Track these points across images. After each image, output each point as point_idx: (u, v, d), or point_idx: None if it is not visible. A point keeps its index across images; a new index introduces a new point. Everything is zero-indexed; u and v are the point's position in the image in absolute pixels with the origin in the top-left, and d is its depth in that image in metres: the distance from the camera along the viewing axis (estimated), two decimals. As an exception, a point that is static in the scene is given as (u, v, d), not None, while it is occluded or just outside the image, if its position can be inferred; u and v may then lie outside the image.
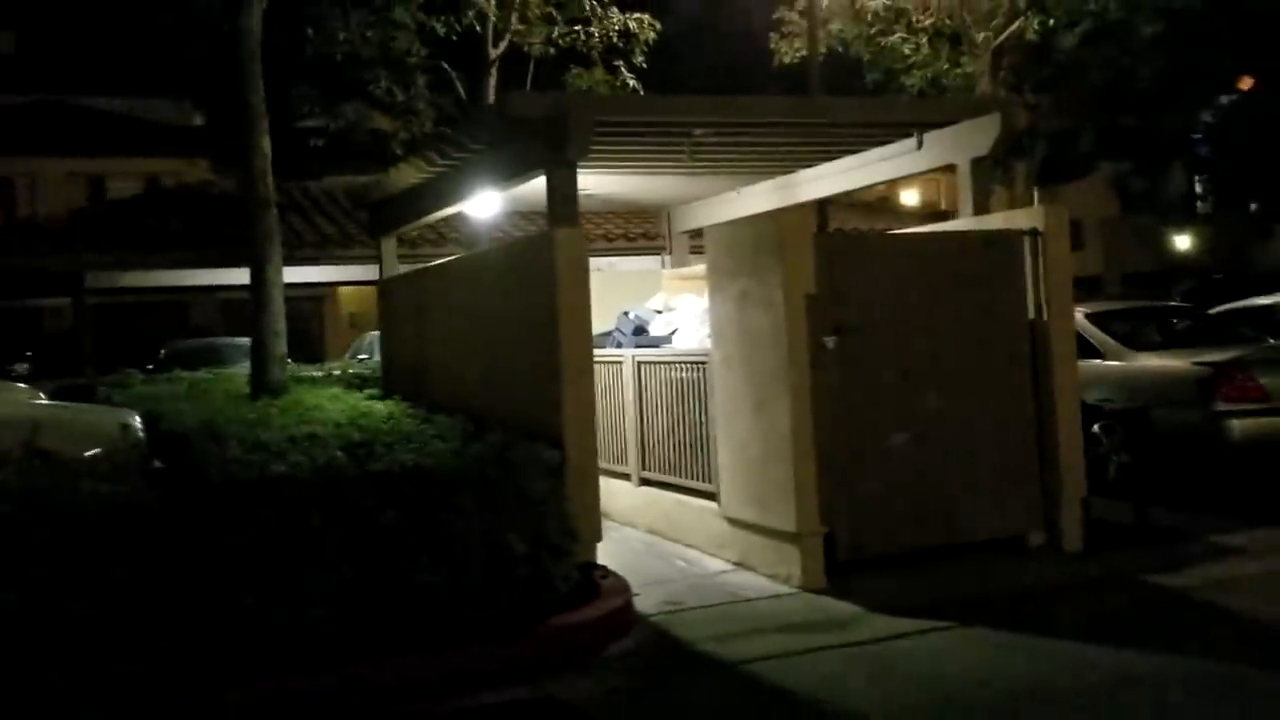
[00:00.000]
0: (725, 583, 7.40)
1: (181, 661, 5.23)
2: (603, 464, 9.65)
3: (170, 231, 16.61)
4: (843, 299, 7.24)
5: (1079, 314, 10.41)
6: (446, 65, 14.54)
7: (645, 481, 9.06)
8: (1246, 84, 27.94)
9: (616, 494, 9.45)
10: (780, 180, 10.45)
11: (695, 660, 5.97)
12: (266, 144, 9.60)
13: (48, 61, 28.80)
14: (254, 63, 9.55)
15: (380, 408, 8.25)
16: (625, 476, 9.32)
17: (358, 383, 11.60)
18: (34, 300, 21.30)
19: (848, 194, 10.57)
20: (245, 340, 19.97)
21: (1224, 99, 28.91)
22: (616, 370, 9.35)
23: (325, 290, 25.92)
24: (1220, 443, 9.03)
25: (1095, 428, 9.47)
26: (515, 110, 7.31)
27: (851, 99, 8.46)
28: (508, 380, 8.06)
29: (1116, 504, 8.58)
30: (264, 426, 7.31)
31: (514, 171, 7.98)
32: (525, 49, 14.99)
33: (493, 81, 14.46)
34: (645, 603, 6.91)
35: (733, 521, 7.76)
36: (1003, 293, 7.75)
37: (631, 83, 14.79)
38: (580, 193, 10.52)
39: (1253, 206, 37.12)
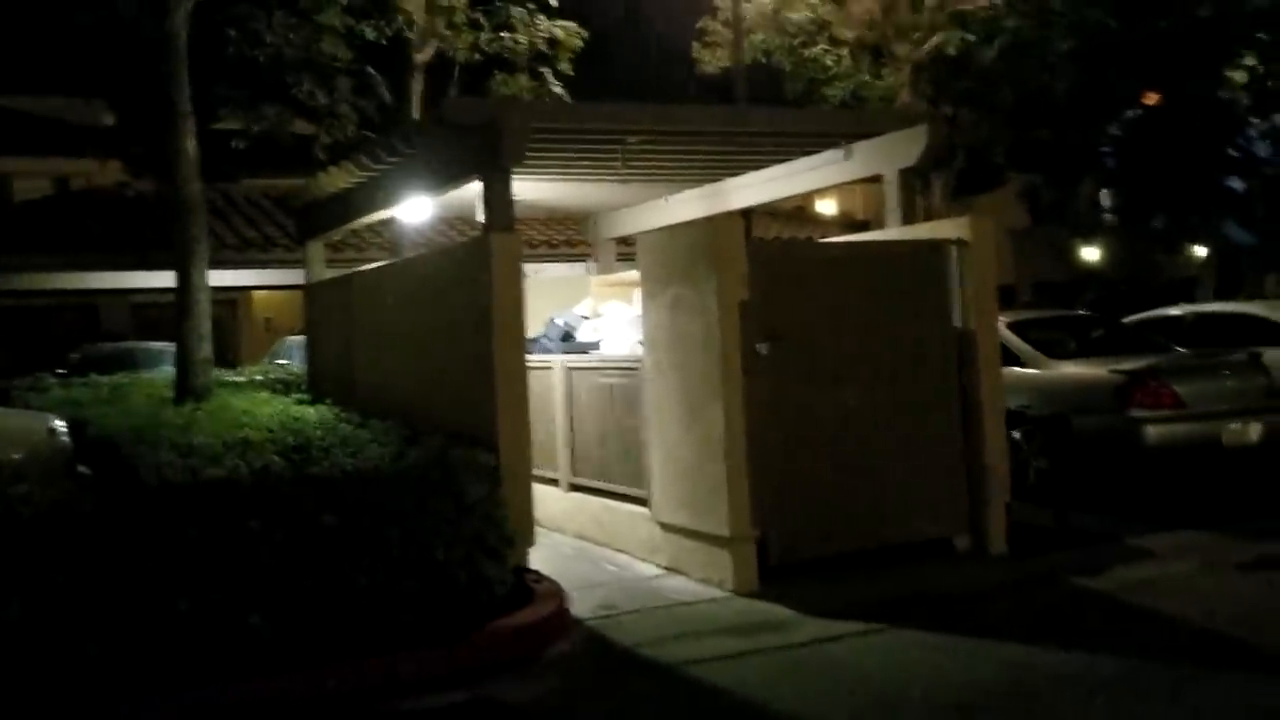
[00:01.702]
0: (658, 587, 7.45)
1: (117, 667, 5.14)
2: (533, 470, 9.69)
3: (81, 234, 16.24)
4: (775, 306, 7.33)
5: (999, 323, 10.68)
6: (371, 69, 14.42)
7: (575, 487, 9.08)
8: (1152, 99, 28.73)
9: (546, 499, 9.42)
10: (709, 188, 10.56)
11: (633, 663, 6.01)
12: (193, 146, 9.48)
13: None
14: (180, 65, 9.41)
15: (311, 413, 8.18)
16: (554, 482, 9.32)
17: (281, 388, 11.47)
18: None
19: (769, 202, 10.67)
20: (161, 345, 19.70)
21: (1130, 114, 29.66)
22: (546, 376, 9.36)
23: (238, 294, 25.54)
24: (1136, 448, 9.30)
25: (1015, 434, 9.68)
26: (452, 115, 7.32)
27: (784, 109, 8.58)
28: (441, 385, 8.04)
29: (1037, 509, 8.79)
30: (195, 431, 7.20)
31: (448, 177, 7.96)
32: (450, 54, 14.92)
33: (418, 87, 14.37)
34: (580, 607, 6.93)
35: (665, 526, 7.81)
36: (930, 300, 7.91)
37: (557, 90, 14.81)
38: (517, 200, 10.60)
39: (1157, 220, 38.17)
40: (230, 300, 26.91)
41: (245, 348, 26.60)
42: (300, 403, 8.98)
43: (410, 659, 5.72)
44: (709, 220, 7.92)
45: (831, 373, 7.53)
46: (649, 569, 7.90)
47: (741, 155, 9.36)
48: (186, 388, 9.40)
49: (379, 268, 9.88)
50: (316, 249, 11.27)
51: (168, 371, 16.10)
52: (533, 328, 9.94)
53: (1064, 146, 20.07)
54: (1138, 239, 37.89)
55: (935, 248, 7.98)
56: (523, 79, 15.54)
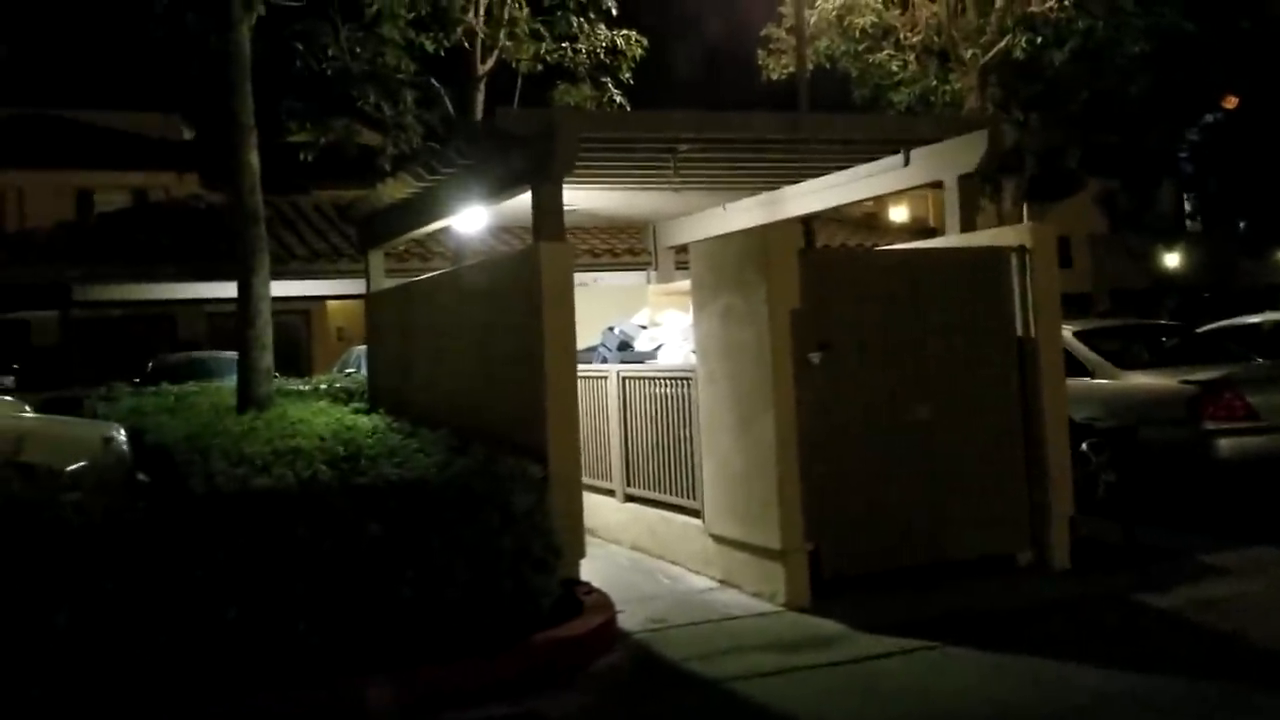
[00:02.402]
0: (710, 600, 7.36)
1: (164, 675, 5.18)
2: (587, 480, 9.62)
3: (158, 245, 16.58)
4: (828, 315, 7.22)
5: (1067, 332, 10.44)
6: (435, 81, 14.51)
7: (630, 498, 9.02)
8: (1231, 103, 28.02)
9: (601, 510, 9.42)
10: (766, 196, 10.45)
11: (679, 677, 5.92)
12: (255, 159, 9.58)
13: (38, 74, 28.77)
14: (243, 79, 9.54)
15: (365, 422, 8.21)
16: (610, 492, 9.28)
17: (344, 397, 11.56)
18: (21, 313, 21.20)
19: (836, 209, 10.56)
20: (232, 354, 19.99)
21: (1211, 118, 29.01)
22: (601, 385, 9.32)
23: (312, 304, 25.89)
24: (1208, 461, 9.03)
25: (1084, 446, 9.45)
26: (503, 125, 7.31)
27: (837, 115, 8.45)
28: (493, 395, 8.03)
29: (1105, 523, 8.58)
30: (249, 440, 7.27)
31: (501, 187, 7.96)
32: (514, 65, 14.97)
33: (480, 97, 14.43)
34: (630, 620, 6.87)
35: (717, 538, 7.72)
36: (990, 309, 7.74)
37: (618, 99, 14.78)
38: (565, 208, 10.59)
39: (1241, 224, 37.27)
40: (304, 310, 27.33)
41: (319, 357, 26.99)
42: (356, 412, 9.03)
43: (453, 670, 5.70)
44: (761, 228, 7.80)
45: (887, 383, 7.40)
46: (703, 582, 7.81)
47: (798, 162, 9.26)
48: (248, 397, 9.50)
49: (433, 277, 9.93)
50: (377, 258, 11.35)
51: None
52: (592, 337, 9.94)
53: (1140, 151, 19.61)
54: (1220, 244, 37.08)
55: (996, 255, 7.81)
56: (585, 88, 15.53)
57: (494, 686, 5.70)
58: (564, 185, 7.63)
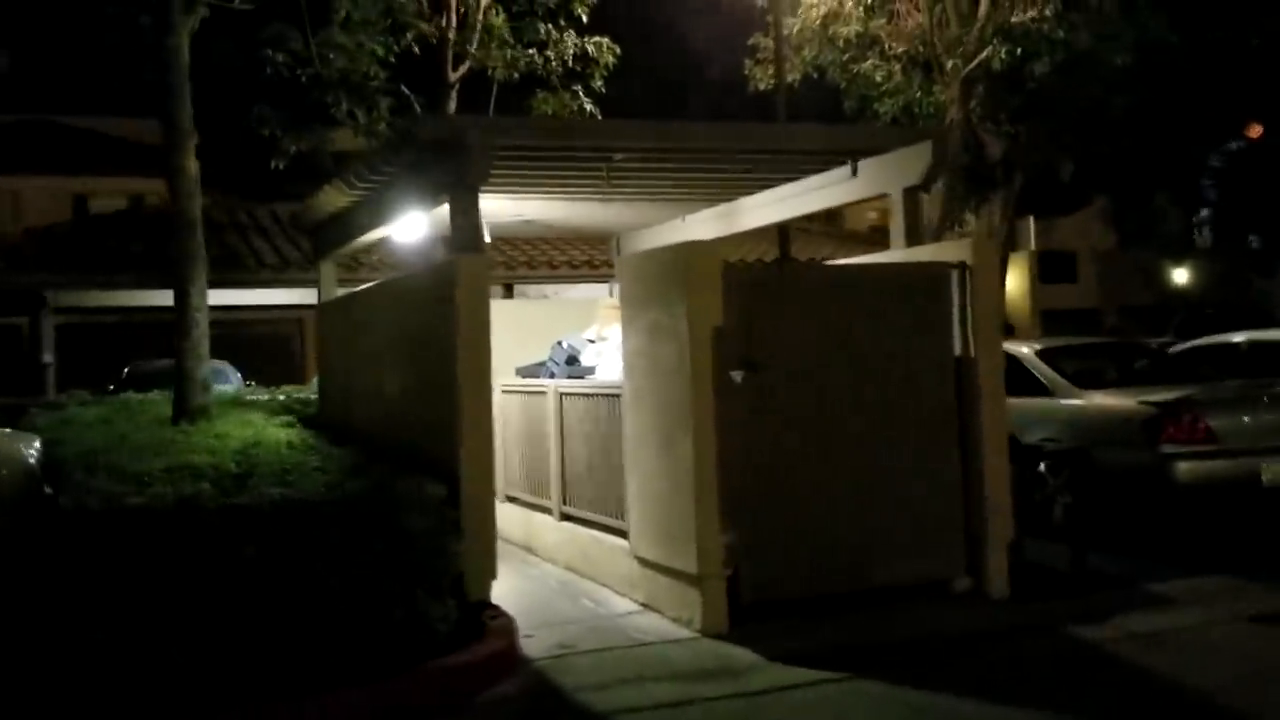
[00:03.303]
0: (628, 625, 7.10)
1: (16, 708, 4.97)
2: (528, 497, 9.44)
3: (130, 252, 16.44)
4: (753, 333, 6.96)
5: (1028, 350, 10.16)
6: (405, 89, 14.32)
7: (566, 516, 8.77)
8: (1256, 132, 27.52)
9: (540, 529, 9.19)
10: (724, 208, 10.22)
11: (567, 709, 5.68)
12: (193, 164, 9.36)
13: (39, 81, 28.78)
14: (182, 83, 9.32)
15: (283, 436, 7.98)
16: (549, 511, 9.03)
17: (298, 408, 11.34)
18: (6, 318, 21.12)
19: (826, 222, 10.24)
20: (216, 363, 19.85)
21: (1233, 144, 28.59)
22: (541, 401, 9.09)
23: (306, 313, 25.77)
24: (1166, 486, 8.71)
25: (1041, 467, 9.15)
26: (421, 133, 7.09)
27: (779, 125, 8.19)
28: (415, 410, 7.80)
29: (1061, 547, 8.31)
30: (156, 454, 7.04)
31: (425, 196, 7.74)
32: (489, 72, 14.79)
33: (453, 105, 14.25)
34: (538, 645, 6.64)
35: (641, 561, 7.47)
36: (929, 327, 7.46)
37: (589, 107, 14.55)
38: (517, 219, 10.39)
39: (1253, 241, 36.80)
40: (298, 319, 27.23)
41: (312, 364, 26.85)
42: (286, 425, 8.79)
43: (339, 699, 5.46)
44: (683, 243, 7.55)
45: (817, 403, 7.13)
46: (627, 605, 7.56)
47: (748, 173, 9.01)
48: (182, 409, 9.28)
49: (367, 289, 9.72)
50: (329, 268, 11.16)
51: (219, 388, 16.28)
52: (546, 351, 9.74)
53: (1138, 165, 19.23)
54: (1231, 260, 36.57)
55: (935, 271, 7.53)
56: (565, 96, 15.33)
57: (382, 715, 5.46)
58: (496, 195, 7.44)
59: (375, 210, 8.84)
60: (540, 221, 10.76)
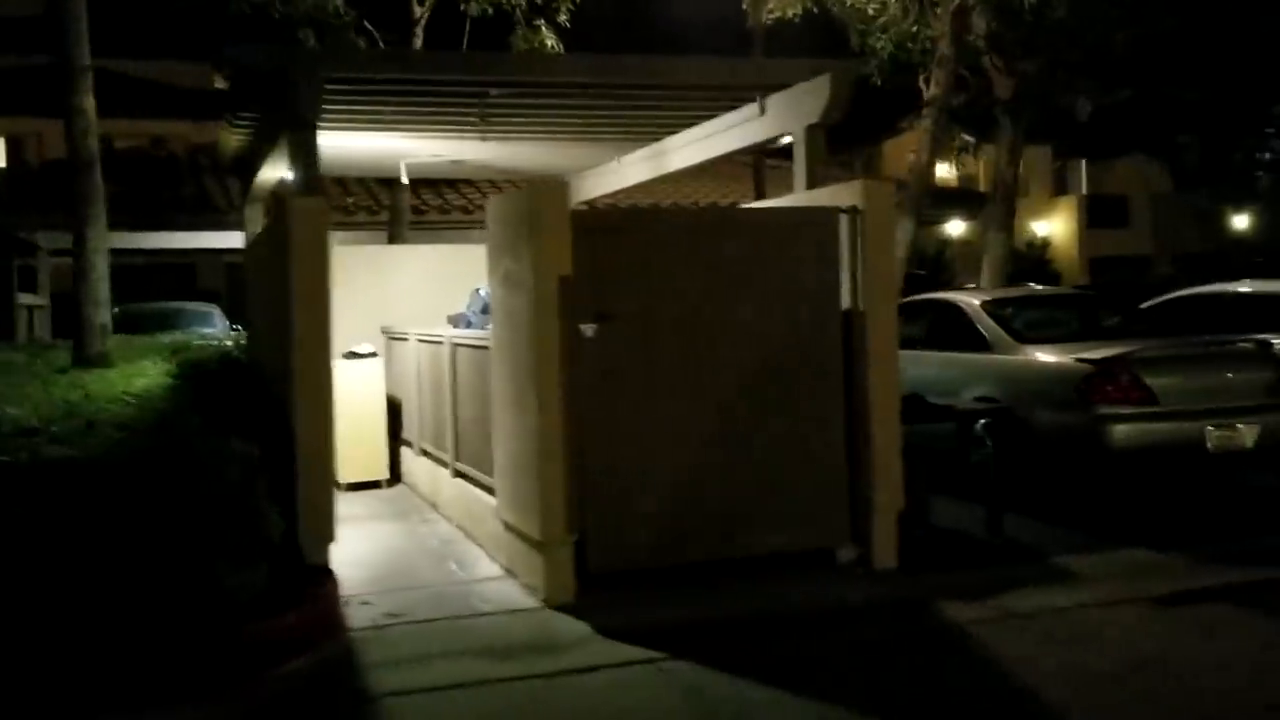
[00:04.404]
0: (477, 592, 6.70)
1: None
2: (433, 451, 9.08)
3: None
4: (608, 283, 6.46)
5: (976, 301, 9.54)
6: (369, 25, 13.86)
7: (458, 473, 8.39)
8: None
9: (441, 484, 8.86)
10: (653, 148, 9.70)
11: (346, 686, 5.30)
12: (90, 104, 9.07)
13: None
14: (77, 19, 9.02)
15: (139, 386, 7.66)
16: (447, 466, 8.66)
17: (236, 353, 11.06)
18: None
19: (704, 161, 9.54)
20: (206, 307, 19.79)
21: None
22: (439, 352, 8.69)
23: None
24: (1101, 450, 8.08)
25: (977, 427, 8.55)
26: (239, 60, 6.63)
27: (659, 59, 7.59)
28: (273, 363, 7.44)
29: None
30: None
31: (278, 132, 7.32)
32: (462, 8, 14.26)
33: (419, 44, 13.76)
34: (369, 613, 6.28)
35: (505, 524, 7.06)
36: (811, 279, 6.89)
37: (549, 43, 13.96)
38: (439, 159, 9.93)
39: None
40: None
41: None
42: (171, 375, 8.48)
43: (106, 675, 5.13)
44: (532, 185, 7.03)
45: (682, 359, 6.62)
46: (492, 570, 7.18)
47: (660, 112, 8.46)
48: (79, 355, 9.06)
49: (258, 234, 9.35)
50: (254, 211, 10.80)
51: (202, 332, 16.17)
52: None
53: (1197, 107, 18.08)
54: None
55: (820, 216, 6.95)
56: (545, 33, 14.76)
57: (152, 690, 5.13)
58: (359, 131, 7.00)
59: (259, 150, 8.45)
60: (471, 163, 10.29)
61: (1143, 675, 5.16)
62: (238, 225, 17.07)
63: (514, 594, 6.61)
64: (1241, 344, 8.67)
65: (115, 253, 20.38)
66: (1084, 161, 35.01)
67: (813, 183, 7.57)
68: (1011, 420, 8.34)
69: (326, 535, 6.53)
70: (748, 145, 8.58)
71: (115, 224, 16.13)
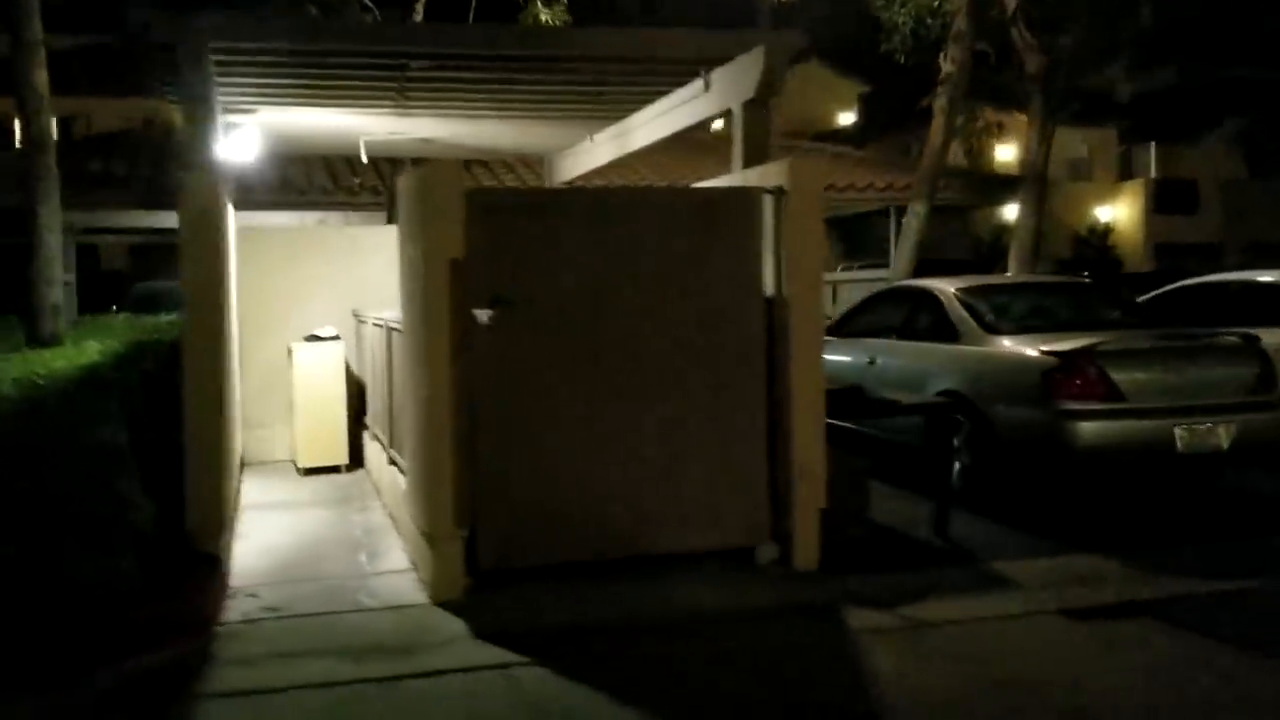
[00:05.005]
0: (371, 587, 6.45)
1: None
2: (380, 436, 8.88)
3: (113, 174, 16.29)
4: (505, 267, 6.16)
5: (950, 289, 9.07)
6: (370, 3, 13.68)
7: (391, 460, 8.16)
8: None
9: (381, 470, 8.63)
10: (618, 127, 9.37)
11: (188, 685, 5.07)
12: (43, 79, 8.94)
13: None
14: (28, -10, 8.89)
15: (58, 366, 7.52)
16: (385, 452, 8.45)
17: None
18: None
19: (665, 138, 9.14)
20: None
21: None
22: (381, 336, 8.48)
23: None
24: (1065, 449, 7.61)
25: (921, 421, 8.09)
26: (138, 29, 6.42)
27: (580, 29, 7.25)
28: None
29: (958, 512, 7.48)
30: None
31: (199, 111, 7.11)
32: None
33: (418, 18, 13.54)
34: (248, 606, 6.08)
35: (412, 515, 6.81)
36: (732, 264, 6.54)
37: (543, 18, 13.63)
38: (397, 136, 9.70)
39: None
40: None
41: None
42: (104, 356, 8.33)
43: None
44: (427, 165, 6.73)
45: (586, 347, 6.31)
46: (399, 563, 6.92)
47: (570, 86, 8.10)
48: (33, 335, 8.98)
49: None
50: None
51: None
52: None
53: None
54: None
55: (740, 197, 6.58)
56: (559, 9, 14.48)
57: None
58: (273, 106, 6.78)
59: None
60: (440, 141, 10.04)
61: (1002, 694, 4.79)
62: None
63: (408, 589, 6.36)
64: (1226, 338, 8.12)
65: (132, 231, 20.76)
66: (1153, 144, 33.75)
67: (752, 160, 7.17)
68: (973, 415, 7.91)
69: (216, 523, 6.34)
70: (698, 122, 8.22)
71: (126, 203, 16.41)
